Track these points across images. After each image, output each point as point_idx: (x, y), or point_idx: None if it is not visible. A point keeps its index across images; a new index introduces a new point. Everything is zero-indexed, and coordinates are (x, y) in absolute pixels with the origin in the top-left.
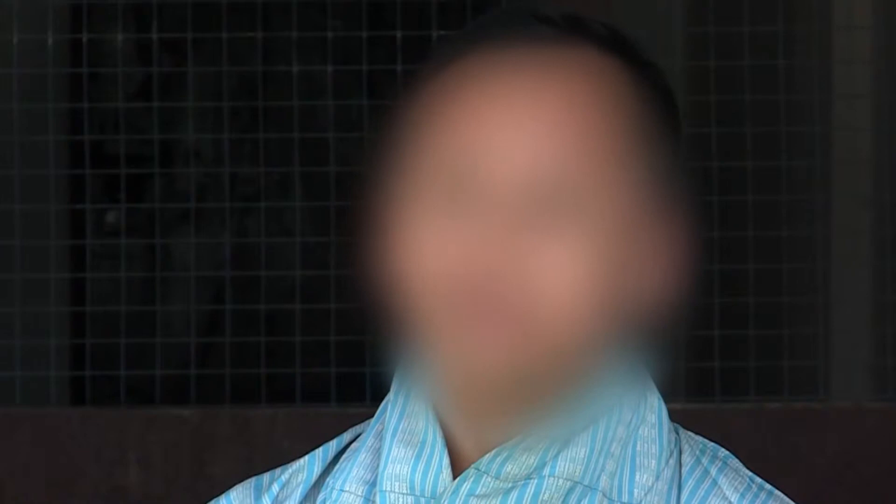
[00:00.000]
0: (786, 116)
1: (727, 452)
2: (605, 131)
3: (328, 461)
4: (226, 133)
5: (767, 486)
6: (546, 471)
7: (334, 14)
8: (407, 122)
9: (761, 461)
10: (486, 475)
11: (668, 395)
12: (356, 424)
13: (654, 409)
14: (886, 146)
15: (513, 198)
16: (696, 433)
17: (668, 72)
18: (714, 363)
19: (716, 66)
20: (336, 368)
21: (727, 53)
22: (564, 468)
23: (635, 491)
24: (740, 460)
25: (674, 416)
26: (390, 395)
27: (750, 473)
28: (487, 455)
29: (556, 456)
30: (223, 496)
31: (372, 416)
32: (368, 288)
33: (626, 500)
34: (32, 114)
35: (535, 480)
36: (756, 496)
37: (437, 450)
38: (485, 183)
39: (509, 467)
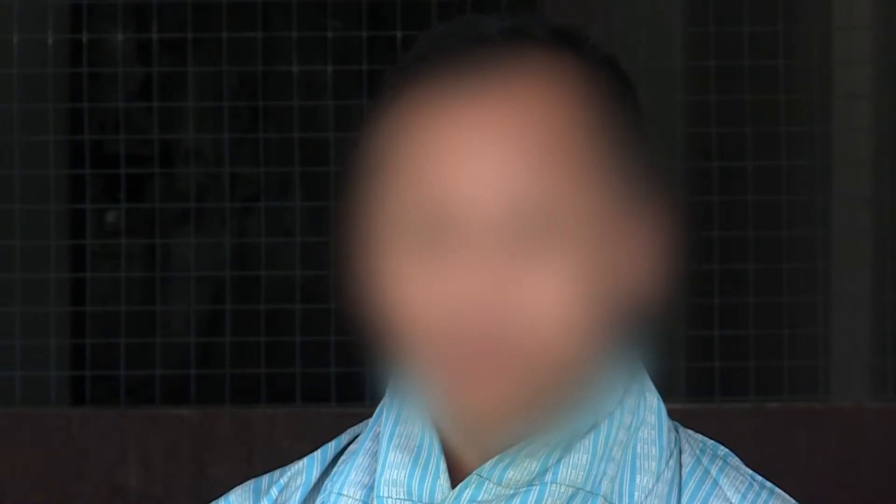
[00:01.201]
0: (786, 116)
1: (727, 451)
2: (568, 138)
3: (327, 464)
4: (226, 133)
5: (768, 484)
6: (548, 477)
7: (334, 14)
8: (369, 162)
9: (761, 461)
10: (488, 481)
11: (667, 395)
12: (355, 425)
13: (653, 410)
14: (886, 146)
15: (485, 228)
16: (695, 431)
17: (668, 72)
18: (714, 363)
19: (716, 66)
20: (336, 368)
21: (727, 53)
22: (566, 474)
23: (636, 494)
24: (740, 458)
25: (673, 416)
26: (385, 400)
27: (750, 472)
28: (489, 461)
29: (558, 462)
30: (222, 498)
31: (371, 416)
32: (358, 324)
33: None
34: (32, 114)
35: (538, 487)
36: (758, 495)
37: (434, 455)
38: (455, 218)
39: (511, 474)
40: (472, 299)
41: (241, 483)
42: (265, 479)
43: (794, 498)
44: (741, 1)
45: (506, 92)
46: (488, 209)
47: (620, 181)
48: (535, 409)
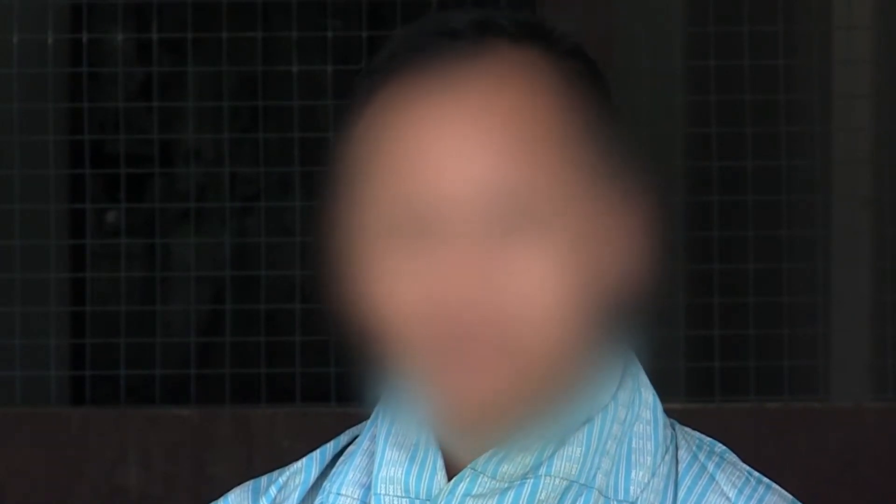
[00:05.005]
0: (786, 116)
1: (724, 447)
2: (541, 125)
3: (325, 464)
4: (226, 133)
5: (766, 479)
6: (542, 470)
7: (334, 14)
8: (349, 164)
9: (761, 461)
10: (482, 475)
11: (667, 396)
12: (355, 425)
13: (648, 406)
14: (886, 146)
15: (467, 220)
16: (693, 430)
17: (668, 72)
18: (714, 363)
19: (716, 66)
20: (336, 368)
21: (727, 53)
22: (560, 467)
23: (631, 488)
24: (737, 456)
25: (673, 416)
26: (382, 401)
27: (748, 468)
28: (484, 455)
29: (552, 455)
30: (221, 499)
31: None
32: (343, 323)
33: (622, 498)
34: (32, 114)
35: (532, 480)
36: (754, 490)
37: (430, 452)
38: (436, 212)
39: (505, 467)
40: (458, 291)
41: (241, 483)
42: (264, 479)
43: (794, 497)
44: (741, 1)
45: (477, 84)
46: (468, 201)
47: (598, 167)
48: (528, 400)
